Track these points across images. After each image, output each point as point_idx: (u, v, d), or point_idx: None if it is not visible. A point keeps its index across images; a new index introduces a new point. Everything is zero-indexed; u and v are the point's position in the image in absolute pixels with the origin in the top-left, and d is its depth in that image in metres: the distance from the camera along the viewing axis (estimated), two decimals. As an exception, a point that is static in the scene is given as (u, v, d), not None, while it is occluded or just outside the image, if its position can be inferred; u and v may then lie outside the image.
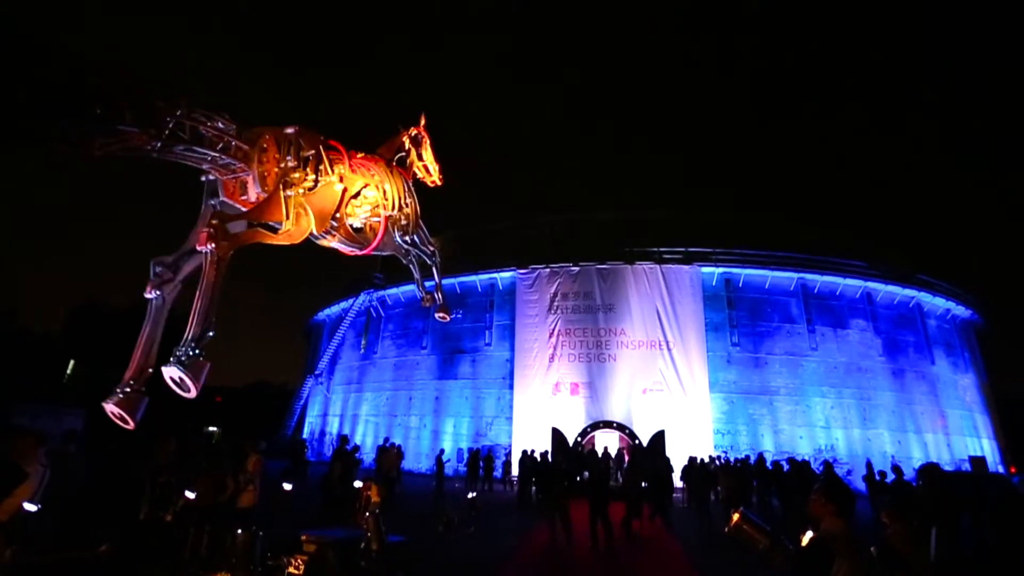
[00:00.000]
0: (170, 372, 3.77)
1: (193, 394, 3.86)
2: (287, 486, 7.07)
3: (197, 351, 3.81)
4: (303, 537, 5.17)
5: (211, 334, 3.93)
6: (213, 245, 3.83)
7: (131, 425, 3.80)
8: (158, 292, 4.12)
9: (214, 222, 3.95)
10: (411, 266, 6.78)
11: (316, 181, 4.91)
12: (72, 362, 31.04)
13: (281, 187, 4.64)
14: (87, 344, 33.80)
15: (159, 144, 3.84)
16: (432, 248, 6.77)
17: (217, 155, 4.35)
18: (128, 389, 3.83)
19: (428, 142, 6.94)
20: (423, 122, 6.92)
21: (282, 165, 4.70)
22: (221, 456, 7.92)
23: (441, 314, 7.12)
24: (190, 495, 5.63)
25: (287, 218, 4.63)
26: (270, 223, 4.57)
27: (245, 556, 4.61)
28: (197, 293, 3.91)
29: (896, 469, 11.59)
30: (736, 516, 2.97)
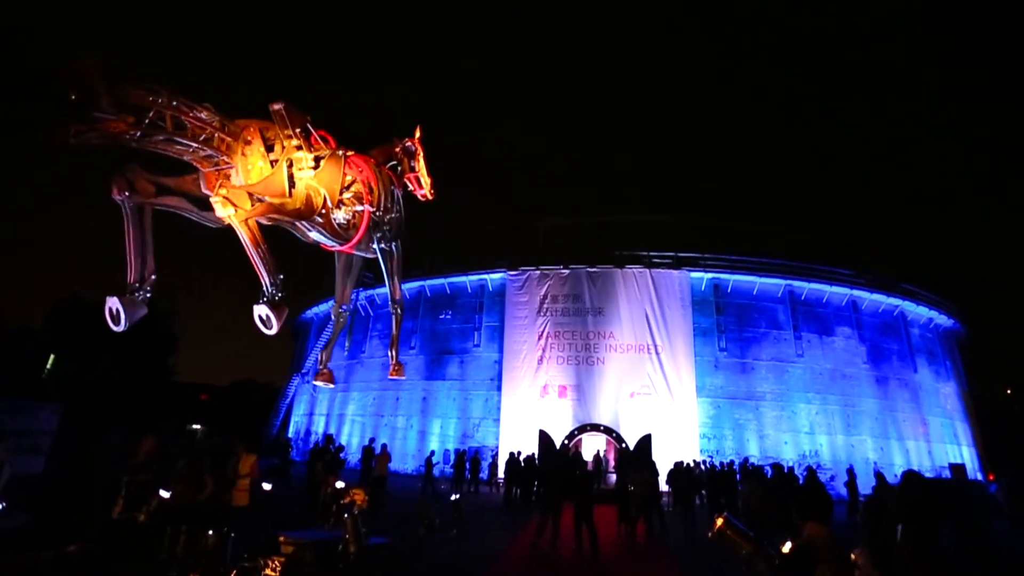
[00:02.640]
0: (259, 310, 4.38)
1: (275, 331, 4.45)
2: (267, 486, 6.95)
3: (280, 294, 4.46)
4: (281, 538, 5.07)
5: (281, 277, 4.53)
6: (232, 210, 4.16)
7: (120, 327, 4.10)
8: (127, 195, 4.13)
9: (222, 192, 4.15)
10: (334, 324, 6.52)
11: (317, 160, 4.91)
12: (52, 357, 30.42)
13: (285, 166, 4.66)
14: (69, 339, 33.13)
15: (138, 133, 3.75)
16: (399, 297, 6.51)
17: (199, 146, 4.27)
18: (136, 294, 4.18)
19: (422, 155, 6.88)
20: (418, 134, 6.87)
21: (286, 144, 4.70)
22: (201, 455, 7.77)
23: (395, 374, 6.57)
24: (165, 494, 5.50)
25: (290, 196, 4.68)
26: (272, 200, 4.60)
27: (214, 558, 4.50)
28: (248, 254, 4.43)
29: (879, 476, 11.68)
30: (720, 521, 3.00)
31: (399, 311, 6.65)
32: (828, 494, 3.13)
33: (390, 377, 6.55)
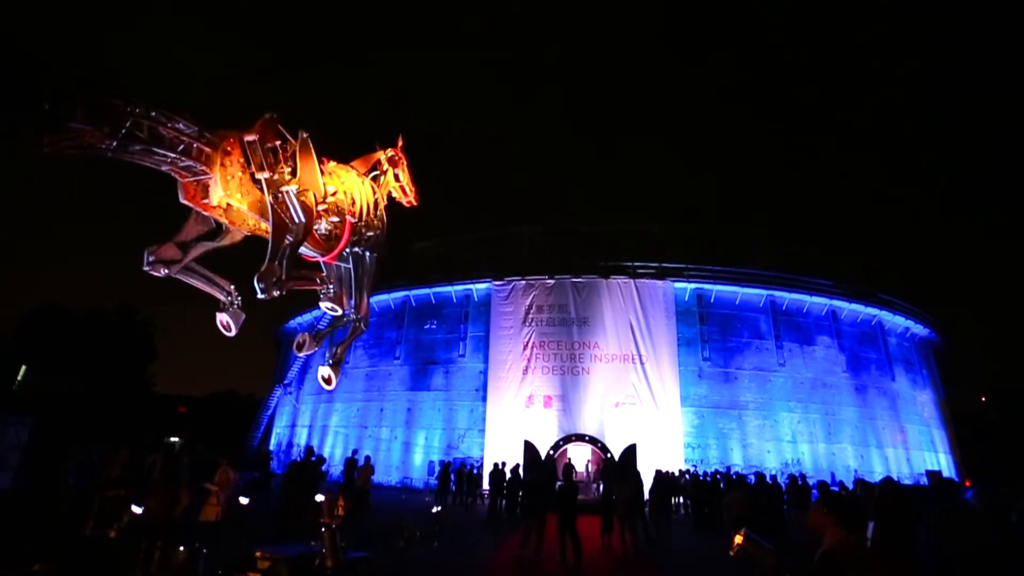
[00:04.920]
0: (325, 304, 5.67)
1: (340, 313, 5.80)
2: (244, 500, 6.82)
3: (332, 288, 5.72)
4: (257, 553, 4.98)
5: (325, 274, 5.86)
6: (277, 291, 4.65)
7: (232, 333, 5.07)
8: (166, 271, 4.73)
9: (261, 285, 4.51)
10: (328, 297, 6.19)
11: (294, 169, 4.93)
12: (24, 367, 29.53)
13: (273, 199, 4.80)
14: (42, 349, 32.23)
15: (114, 143, 3.73)
16: (364, 312, 6.26)
17: (177, 156, 4.26)
18: (232, 307, 5.04)
19: (405, 163, 7.02)
20: (400, 143, 7.01)
21: (263, 177, 4.80)
22: (179, 468, 7.59)
23: (327, 374, 6.05)
24: (137, 510, 5.37)
25: (294, 220, 4.96)
26: (288, 236, 4.92)
27: (186, 575, 4.40)
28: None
29: (856, 483, 11.84)
30: (739, 538, 2.95)
31: (362, 327, 6.25)
32: (846, 499, 3.04)
33: (320, 376, 6.15)
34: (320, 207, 5.30)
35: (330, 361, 6.17)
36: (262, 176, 4.67)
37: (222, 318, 5.06)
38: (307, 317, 31.28)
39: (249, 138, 4.65)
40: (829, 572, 2.60)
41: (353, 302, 6.14)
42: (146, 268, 4.58)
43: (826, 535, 2.78)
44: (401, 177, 6.96)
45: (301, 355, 6.56)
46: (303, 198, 4.95)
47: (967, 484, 25.29)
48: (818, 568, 2.64)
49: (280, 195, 4.85)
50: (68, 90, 3.30)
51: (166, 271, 4.70)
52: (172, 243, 4.78)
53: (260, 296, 4.57)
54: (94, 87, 3.49)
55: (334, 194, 5.55)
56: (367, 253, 6.17)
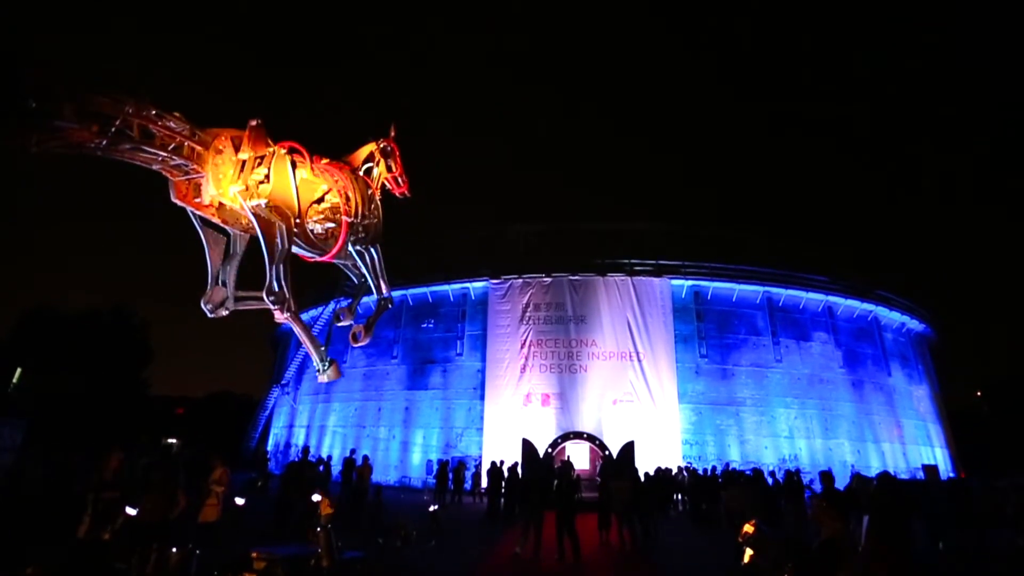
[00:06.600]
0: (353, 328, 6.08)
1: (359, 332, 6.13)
2: (239, 500, 6.79)
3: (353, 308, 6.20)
4: (253, 554, 4.96)
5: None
6: (288, 313, 4.86)
7: (283, 315, 5.19)
8: (226, 311, 5.09)
9: (271, 298, 4.78)
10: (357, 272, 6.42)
11: (268, 175, 4.84)
12: (19, 370, 29.35)
13: (251, 211, 4.76)
14: (38, 351, 32.06)
15: (104, 142, 3.68)
16: (386, 292, 6.38)
17: (168, 155, 4.21)
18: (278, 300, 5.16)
19: (397, 153, 6.92)
20: (393, 133, 6.91)
21: (243, 189, 4.75)
22: (176, 469, 7.55)
23: (359, 332, 6.32)
24: (131, 511, 5.33)
25: (286, 219, 4.94)
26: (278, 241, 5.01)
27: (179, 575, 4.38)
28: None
29: (856, 476, 11.87)
30: (749, 527, 3.16)
31: (387, 305, 6.56)
32: (846, 495, 3.32)
33: (351, 333, 6.33)
34: (315, 211, 5.28)
35: (358, 331, 6.32)
36: (235, 189, 4.67)
37: (280, 316, 5.38)
38: (304, 317, 31.18)
39: (243, 156, 4.62)
40: (825, 559, 2.73)
41: (374, 286, 6.30)
42: (211, 316, 4.99)
43: (825, 526, 2.90)
44: (394, 168, 6.85)
45: (338, 324, 6.63)
46: (280, 205, 4.89)
47: (962, 477, 25.49)
48: (816, 556, 2.78)
49: (260, 205, 4.80)
50: (55, 88, 3.26)
51: (226, 311, 5.07)
52: (213, 285, 5.05)
53: (272, 308, 4.84)
54: (82, 84, 3.45)
55: (328, 191, 5.49)
56: (371, 248, 6.17)
